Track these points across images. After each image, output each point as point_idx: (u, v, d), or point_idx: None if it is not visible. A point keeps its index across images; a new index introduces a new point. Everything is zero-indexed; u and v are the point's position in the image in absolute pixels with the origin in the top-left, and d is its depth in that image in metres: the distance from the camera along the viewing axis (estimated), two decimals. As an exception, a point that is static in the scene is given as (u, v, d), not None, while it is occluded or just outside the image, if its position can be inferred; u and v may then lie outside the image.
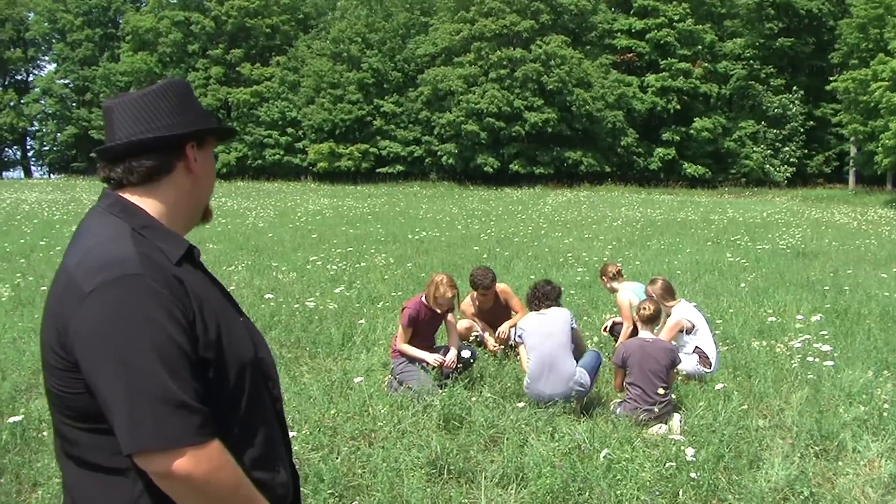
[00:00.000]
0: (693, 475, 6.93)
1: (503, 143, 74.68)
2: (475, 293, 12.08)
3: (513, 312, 12.20)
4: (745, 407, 9.20)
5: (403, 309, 10.31)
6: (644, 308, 9.92)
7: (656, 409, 8.84)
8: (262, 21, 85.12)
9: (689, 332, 10.81)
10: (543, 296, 10.04)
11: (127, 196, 2.74)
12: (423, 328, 10.33)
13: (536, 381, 9.40)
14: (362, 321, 12.78)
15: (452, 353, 10.20)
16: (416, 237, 27.22)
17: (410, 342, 10.16)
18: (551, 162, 74.28)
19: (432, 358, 9.94)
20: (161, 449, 2.36)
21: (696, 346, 10.75)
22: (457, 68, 75.98)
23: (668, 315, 11.01)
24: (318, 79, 79.16)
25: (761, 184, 78.04)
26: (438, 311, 10.21)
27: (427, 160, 79.28)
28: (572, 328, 9.72)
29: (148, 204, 2.74)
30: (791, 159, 79.53)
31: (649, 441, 8.08)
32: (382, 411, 8.67)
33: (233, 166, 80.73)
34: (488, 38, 75.31)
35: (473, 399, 9.05)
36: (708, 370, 10.60)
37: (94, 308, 2.42)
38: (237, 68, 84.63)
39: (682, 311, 11.03)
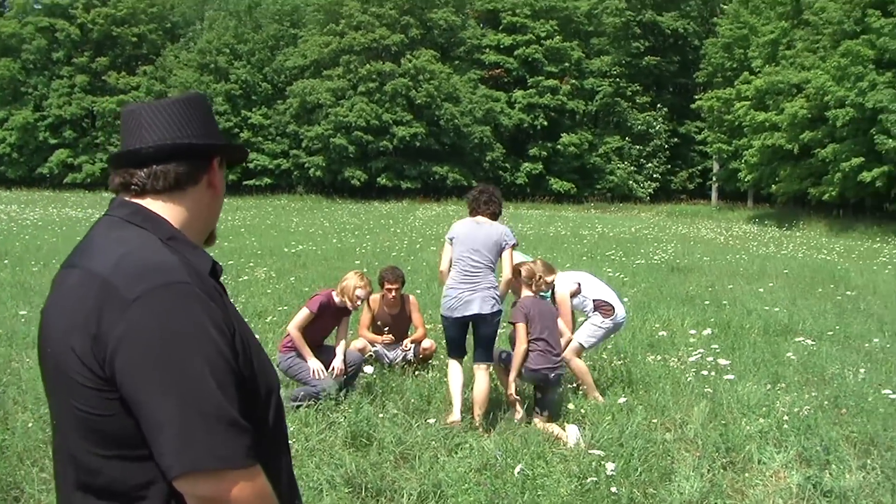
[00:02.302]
0: (613, 489, 6.98)
1: (371, 156, 74.40)
2: (381, 295, 12.14)
3: (413, 327, 12.24)
4: (655, 421, 9.33)
5: (314, 297, 10.33)
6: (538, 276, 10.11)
7: (559, 360, 9.48)
8: (128, 29, 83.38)
9: (577, 293, 10.89)
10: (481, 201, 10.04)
11: (147, 205, 2.58)
12: (321, 324, 10.38)
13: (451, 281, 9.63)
14: (257, 336, 12.61)
15: (339, 359, 10.23)
16: (293, 250, 27.04)
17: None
18: (419, 176, 74.27)
19: (315, 367, 9.93)
20: (213, 470, 2.21)
21: (595, 299, 10.85)
22: (325, 81, 75.54)
23: (552, 290, 11.07)
24: (184, 89, 77.76)
25: (626, 199, 79.14)
26: (349, 306, 10.23)
27: (295, 173, 78.62)
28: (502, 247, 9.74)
29: (171, 213, 2.60)
30: (655, 175, 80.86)
31: (562, 455, 8.12)
32: (290, 429, 8.57)
33: (97, 177, 78.90)
34: (357, 52, 75.09)
35: (380, 416, 9.02)
36: (611, 319, 10.73)
37: (142, 317, 2.26)
38: (103, 77, 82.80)
39: (563, 278, 11.09)
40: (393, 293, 12.03)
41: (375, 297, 12.24)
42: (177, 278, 2.34)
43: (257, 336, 12.02)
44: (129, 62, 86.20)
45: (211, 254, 2.66)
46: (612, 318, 10.81)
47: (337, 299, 10.24)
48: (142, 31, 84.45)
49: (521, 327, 9.49)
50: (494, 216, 9.86)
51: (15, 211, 44.95)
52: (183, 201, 2.63)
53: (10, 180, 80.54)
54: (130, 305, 2.27)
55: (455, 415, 9.31)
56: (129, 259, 2.38)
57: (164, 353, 2.24)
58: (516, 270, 9.73)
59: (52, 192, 73.26)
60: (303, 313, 10.12)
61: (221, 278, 2.68)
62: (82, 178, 78.70)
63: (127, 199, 2.62)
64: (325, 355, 10.32)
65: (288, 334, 10.33)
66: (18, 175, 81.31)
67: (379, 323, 12.16)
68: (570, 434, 8.74)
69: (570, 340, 10.46)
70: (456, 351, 9.76)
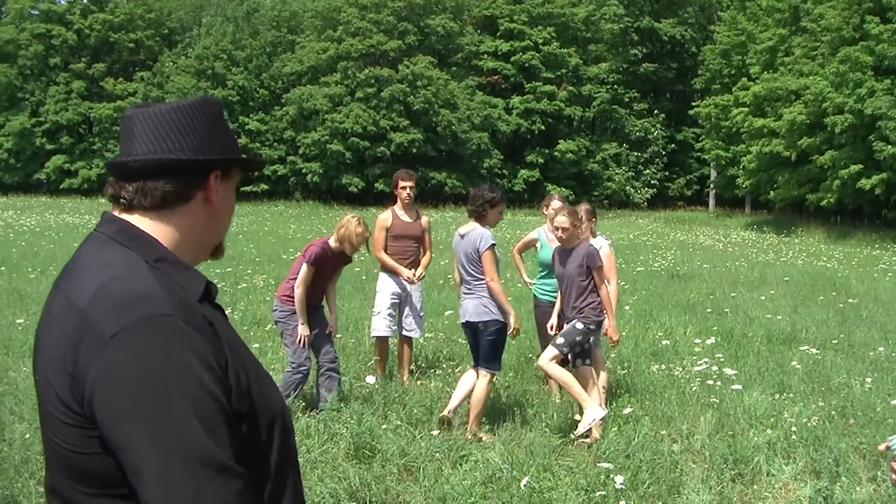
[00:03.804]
0: (622, 503, 6.88)
1: (368, 162, 74.22)
2: (394, 201, 12.41)
3: (422, 251, 12.36)
4: (663, 432, 9.22)
5: (307, 248, 10.27)
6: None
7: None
8: (126, 35, 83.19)
9: None
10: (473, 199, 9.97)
11: (135, 222, 2.40)
12: (319, 277, 10.28)
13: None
14: (257, 345, 12.54)
15: (335, 321, 10.61)
16: (291, 257, 26.75)
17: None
18: (416, 182, 73.91)
19: (302, 334, 9.99)
20: None
21: None
22: (323, 87, 75.40)
23: (586, 238, 10.82)
24: (181, 95, 77.50)
25: (624, 206, 79.14)
26: (348, 251, 10.25)
27: (292, 179, 78.50)
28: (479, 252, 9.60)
29: (160, 232, 2.40)
30: (652, 181, 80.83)
31: (569, 468, 8.02)
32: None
33: (94, 182, 78.68)
34: (355, 58, 74.94)
35: (383, 427, 8.91)
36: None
37: (119, 354, 2.09)
38: (100, 83, 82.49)
39: (602, 242, 10.95)
40: (408, 190, 12.18)
41: (386, 217, 12.29)
42: (158, 311, 2.16)
43: (256, 345, 12.00)
44: (126, 68, 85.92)
45: (209, 264, 2.51)
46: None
47: (334, 245, 10.20)
48: (139, 37, 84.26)
49: (609, 268, 9.73)
50: (477, 216, 9.76)
51: (12, 217, 44.73)
52: (173, 220, 2.44)
53: (7, 186, 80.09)
54: (107, 343, 2.11)
55: (448, 409, 9.42)
56: (108, 289, 2.22)
57: (142, 395, 2.08)
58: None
59: (49, 197, 72.94)
60: (304, 271, 10.02)
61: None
62: (79, 183, 78.32)
63: (116, 214, 2.46)
64: (316, 324, 10.30)
65: (289, 280, 10.31)
66: (15, 181, 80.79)
67: (394, 235, 12.11)
68: (591, 414, 8.75)
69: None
70: (474, 357, 9.88)
